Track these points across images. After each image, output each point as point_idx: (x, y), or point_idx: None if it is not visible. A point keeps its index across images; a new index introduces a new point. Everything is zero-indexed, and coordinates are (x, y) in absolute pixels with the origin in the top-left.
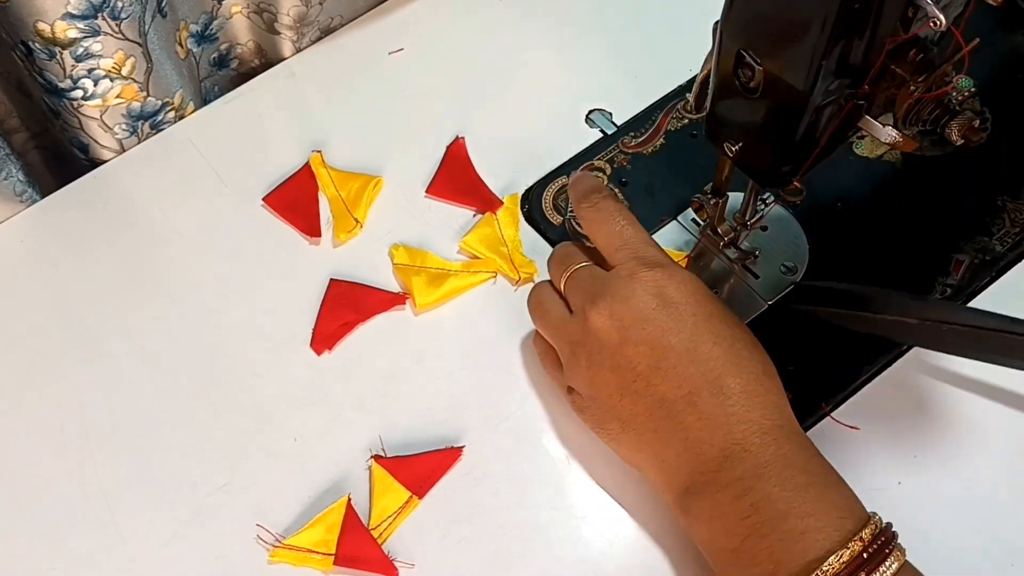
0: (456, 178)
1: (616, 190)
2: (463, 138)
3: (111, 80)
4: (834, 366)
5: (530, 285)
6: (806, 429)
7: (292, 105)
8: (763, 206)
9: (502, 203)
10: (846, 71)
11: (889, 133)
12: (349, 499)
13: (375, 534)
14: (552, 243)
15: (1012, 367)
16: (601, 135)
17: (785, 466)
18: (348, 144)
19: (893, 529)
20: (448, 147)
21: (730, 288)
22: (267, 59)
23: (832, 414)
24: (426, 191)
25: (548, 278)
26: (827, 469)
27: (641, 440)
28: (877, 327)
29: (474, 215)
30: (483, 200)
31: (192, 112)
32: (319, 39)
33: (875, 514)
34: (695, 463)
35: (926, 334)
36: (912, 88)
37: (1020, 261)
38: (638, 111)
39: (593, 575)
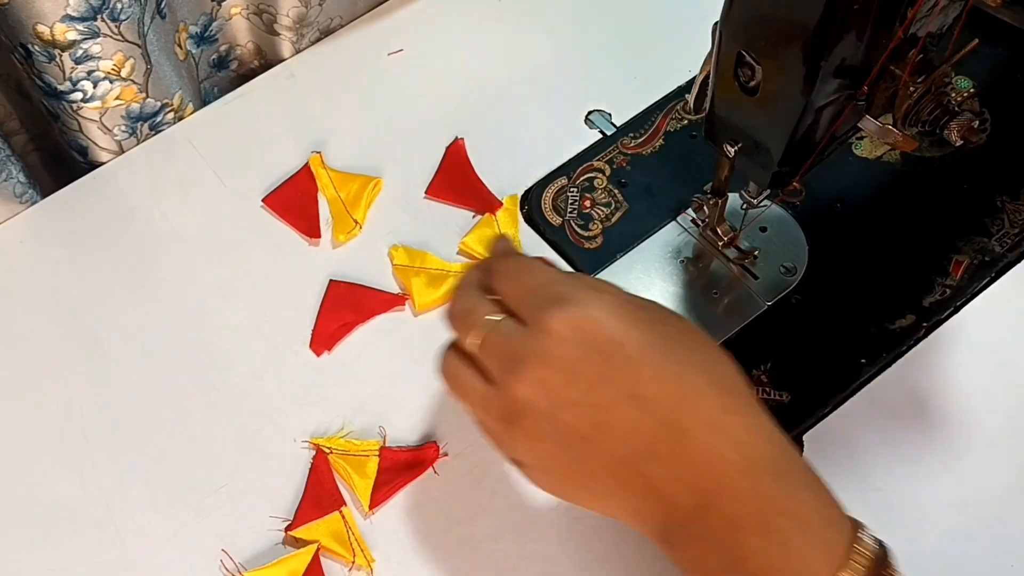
0: (455, 179)
1: (616, 190)
2: (462, 139)
3: (110, 82)
4: (834, 366)
5: None
6: (805, 430)
7: (292, 106)
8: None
9: (501, 204)
10: (846, 71)
11: (889, 131)
12: (318, 549)
13: (371, 514)
14: (552, 244)
15: None
16: (600, 136)
17: (765, 509)
18: (348, 145)
19: (889, 558)
20: (447, 148)
21: (729, 289)
22: (267, 60)
23: (831, 414)
24: (425, 192)
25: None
26: (814, 501)
27: (610, 500)
28: None
29: (473, 216)
30: (482, 201)
31: (191, 113)
32: (319, 40)
33: (864, 537)
34: (670, 514)
35: None
36: (912, 88)
37: (1020, 261)
38: (637, 112)
39: (593, 575)
